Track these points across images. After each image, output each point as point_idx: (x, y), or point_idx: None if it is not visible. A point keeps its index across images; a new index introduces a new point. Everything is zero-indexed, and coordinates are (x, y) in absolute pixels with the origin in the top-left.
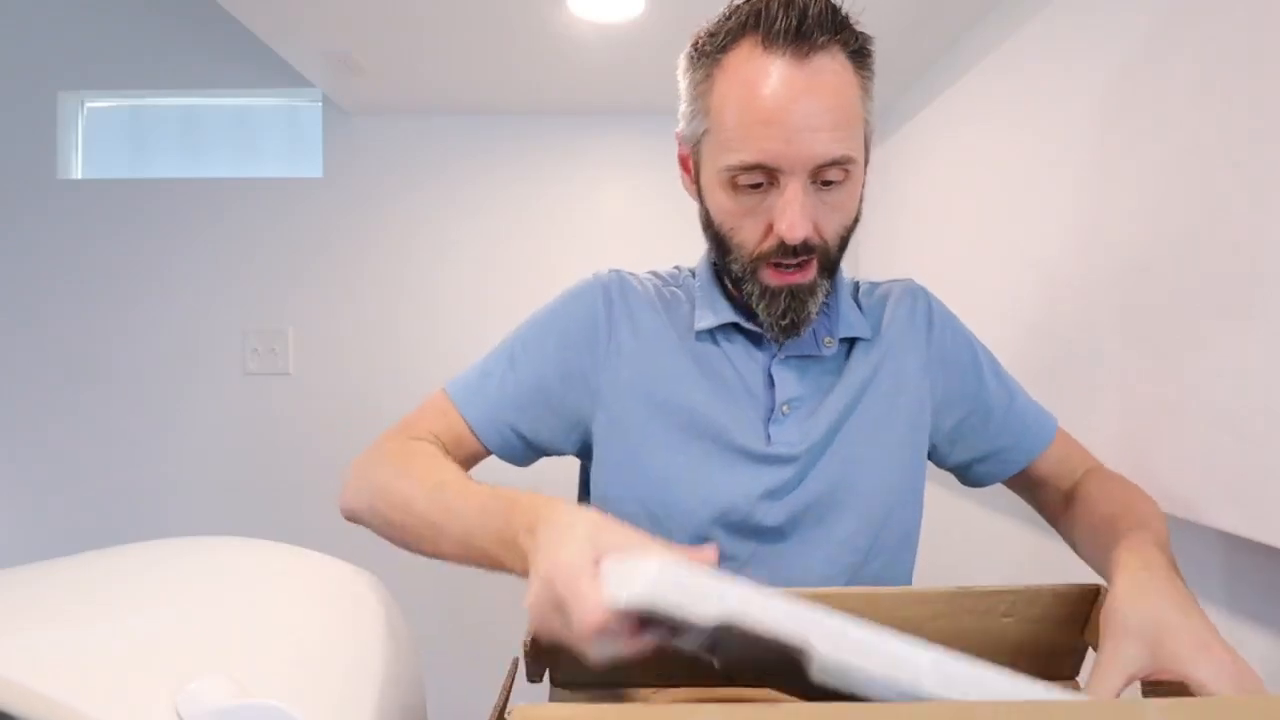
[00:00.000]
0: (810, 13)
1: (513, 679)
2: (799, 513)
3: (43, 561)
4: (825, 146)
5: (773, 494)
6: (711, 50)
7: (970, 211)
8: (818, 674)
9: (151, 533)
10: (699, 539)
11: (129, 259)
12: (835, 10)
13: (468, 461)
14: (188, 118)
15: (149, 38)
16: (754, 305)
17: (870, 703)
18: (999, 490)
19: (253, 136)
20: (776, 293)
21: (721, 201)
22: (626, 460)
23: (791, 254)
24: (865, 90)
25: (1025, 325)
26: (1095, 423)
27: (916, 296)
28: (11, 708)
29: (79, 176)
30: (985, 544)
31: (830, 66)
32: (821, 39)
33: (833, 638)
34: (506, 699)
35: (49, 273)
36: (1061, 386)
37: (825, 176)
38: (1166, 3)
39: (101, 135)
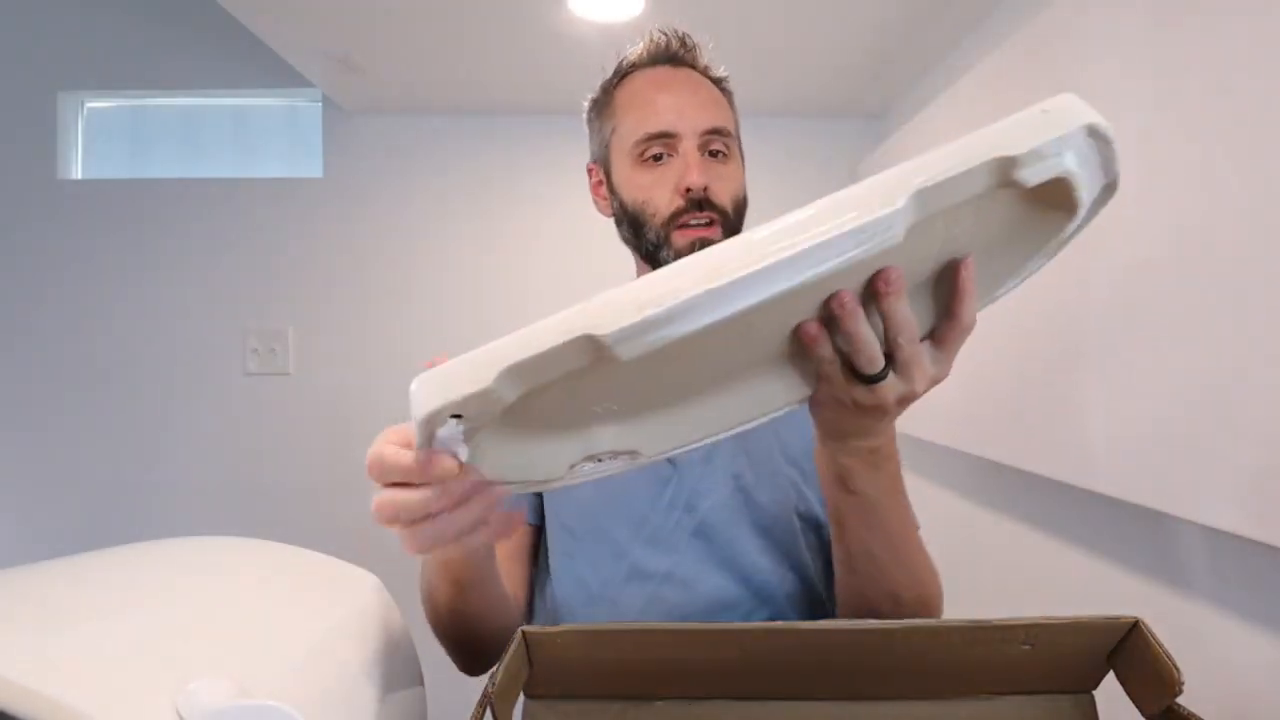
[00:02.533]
0: (672, 46)
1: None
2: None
3: (43, 561)
4: (708, 116)
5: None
6: (609, 89)
7: None
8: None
9: (151, 533)
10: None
11: (129, 259)
12: (686, 45)
13: None
14: (187, 118)
15: (149, 38)
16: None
17: None
18: (1006, 493)
19: (253, 136)
20: (690, 248)
21: (633, 178)
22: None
23: (697, 208)
24: (730, 103)
25: (1021, 324)
26: (1092, 422)
27: None
28: (11, 708)
29: (79, 176)
30: (1004, 553)
31: (696, 75)
32: (683, 63)
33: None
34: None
35: (49, 273)
36: (1058, 384)
37: (712, 146)
38: (1168, 2)
39: (101, 135)
